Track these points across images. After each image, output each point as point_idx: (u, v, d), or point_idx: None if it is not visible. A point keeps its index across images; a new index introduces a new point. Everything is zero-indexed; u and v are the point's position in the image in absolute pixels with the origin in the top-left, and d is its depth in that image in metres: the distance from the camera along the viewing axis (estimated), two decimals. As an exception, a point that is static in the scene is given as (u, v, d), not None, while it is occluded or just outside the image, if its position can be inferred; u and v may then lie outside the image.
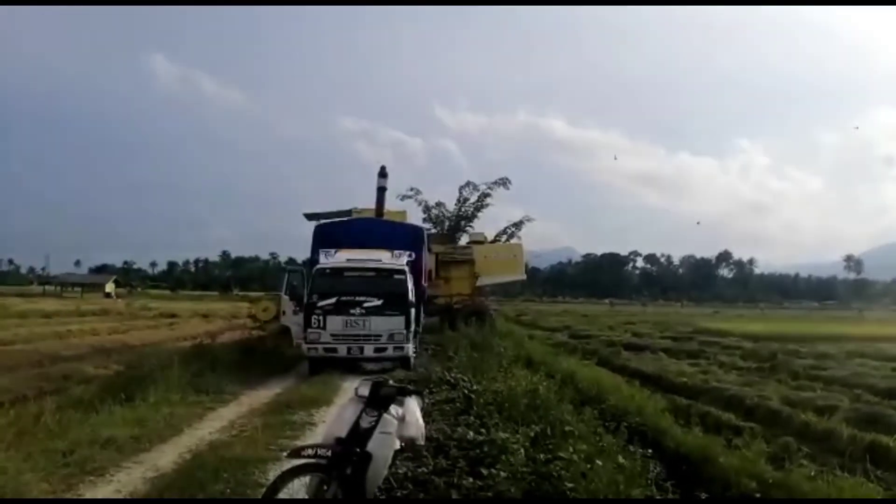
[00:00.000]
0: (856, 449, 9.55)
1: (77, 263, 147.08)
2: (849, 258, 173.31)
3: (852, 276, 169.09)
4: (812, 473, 7.19)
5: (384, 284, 15.33)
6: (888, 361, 20.47)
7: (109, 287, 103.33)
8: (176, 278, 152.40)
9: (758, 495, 6.81)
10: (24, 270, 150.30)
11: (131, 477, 6.72)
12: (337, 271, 15.57)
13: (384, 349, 14.97)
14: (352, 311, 14.98)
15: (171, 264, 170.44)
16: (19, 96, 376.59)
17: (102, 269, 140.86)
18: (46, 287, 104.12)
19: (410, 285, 15.79)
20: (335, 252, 16.28)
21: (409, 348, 15.38)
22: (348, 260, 15.94)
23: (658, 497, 5.91)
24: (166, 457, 7.48)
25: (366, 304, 15.02)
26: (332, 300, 15.05)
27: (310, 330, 14.98)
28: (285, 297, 18.07)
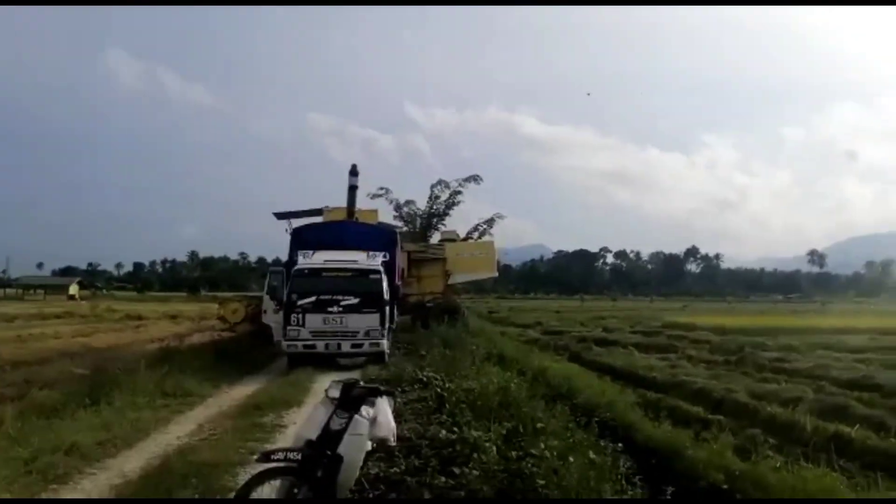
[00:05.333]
0: (819, 439, 9.80)
1: (39, 266, 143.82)
2: (812, 252, 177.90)
3: (815, 269, 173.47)
4: (778, 464, 7.33)
5: (360, 284, 15.99)
6: (850, 353, 21.07)
7: (73, 289, 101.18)
8: (142, 279, 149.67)
9: (724, 486, 6.94)
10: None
11: (96, 484, 6.56)
12: (315, 271, 16.17)
13: (361, 345, 15.64)
14: (330, 309, 15.66)
15: (138, 265, 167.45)
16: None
17: (66, 272, 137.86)
18: (7, 290, 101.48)
19: (385, 285, 16.45)
20: (313, 253, 16.94)
21: (385, 344, 16.06)
22: (326, 261, 16.58)
23: (629, 492, 5.96)
24: (133, 462, 7.32)
25: (343, 303, 15.69)
26: (311, 299, 15.69)
27: (289, 327, 15.58)
28: (266, 297, 18.27)
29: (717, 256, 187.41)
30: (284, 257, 20.06)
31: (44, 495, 6.16)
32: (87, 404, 9.72)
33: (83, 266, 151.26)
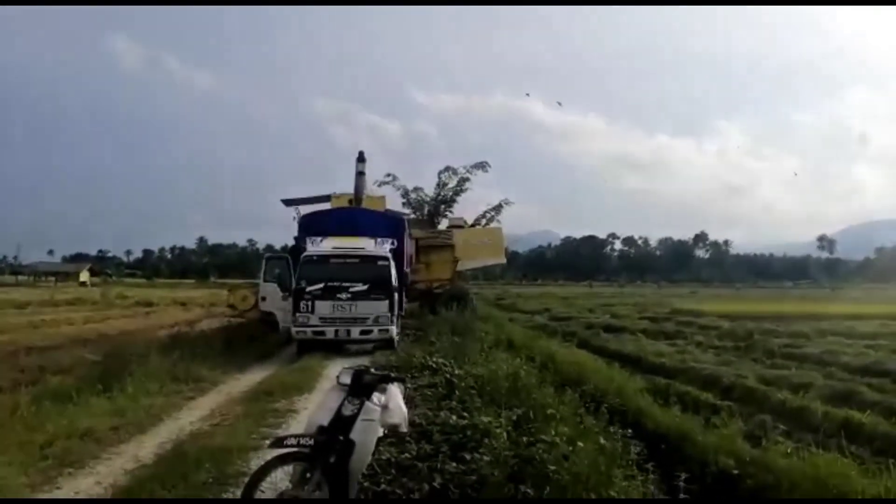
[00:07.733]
0: (830, 425, 9.79)
1: (50, 252, 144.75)
2: (822, 238, 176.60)
3: (825, 255, 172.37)
4: (788, 450, 7.32)
5: (369, 270, 16.07)
6: (860, 339, 20.98)
7: (84, 276, 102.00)
8: (152, 266, 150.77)
9: (735, 472, 6.95)
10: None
11: (111, 468, 6.63)
12: (324, 258, 16.24)
13: (370, 331, 15.76)
14: (339, 295, 15.78)
15: (147, 252, 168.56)
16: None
17: (77, 258, 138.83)
18: (19, 276, 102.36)
19: (394, 271, 16.51)
20: (321, 240, 17.00)
21: (394, 330, 16.22)
22: (334, 248, 16.65)
23: (640, 478, 5.98)
24: (146, 447, 7.40)
25: (352, 289, 15.79)
26: (320, 286, 15.78)
27: (299, 314, 15.69)
28: (265, 284, 18.21)
29: (727, 242, 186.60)
30: (293, 244, 20.11)
31: (60, 480, 6.24)
32: (101, 390, 9.81)
33: (93, 252, 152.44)
